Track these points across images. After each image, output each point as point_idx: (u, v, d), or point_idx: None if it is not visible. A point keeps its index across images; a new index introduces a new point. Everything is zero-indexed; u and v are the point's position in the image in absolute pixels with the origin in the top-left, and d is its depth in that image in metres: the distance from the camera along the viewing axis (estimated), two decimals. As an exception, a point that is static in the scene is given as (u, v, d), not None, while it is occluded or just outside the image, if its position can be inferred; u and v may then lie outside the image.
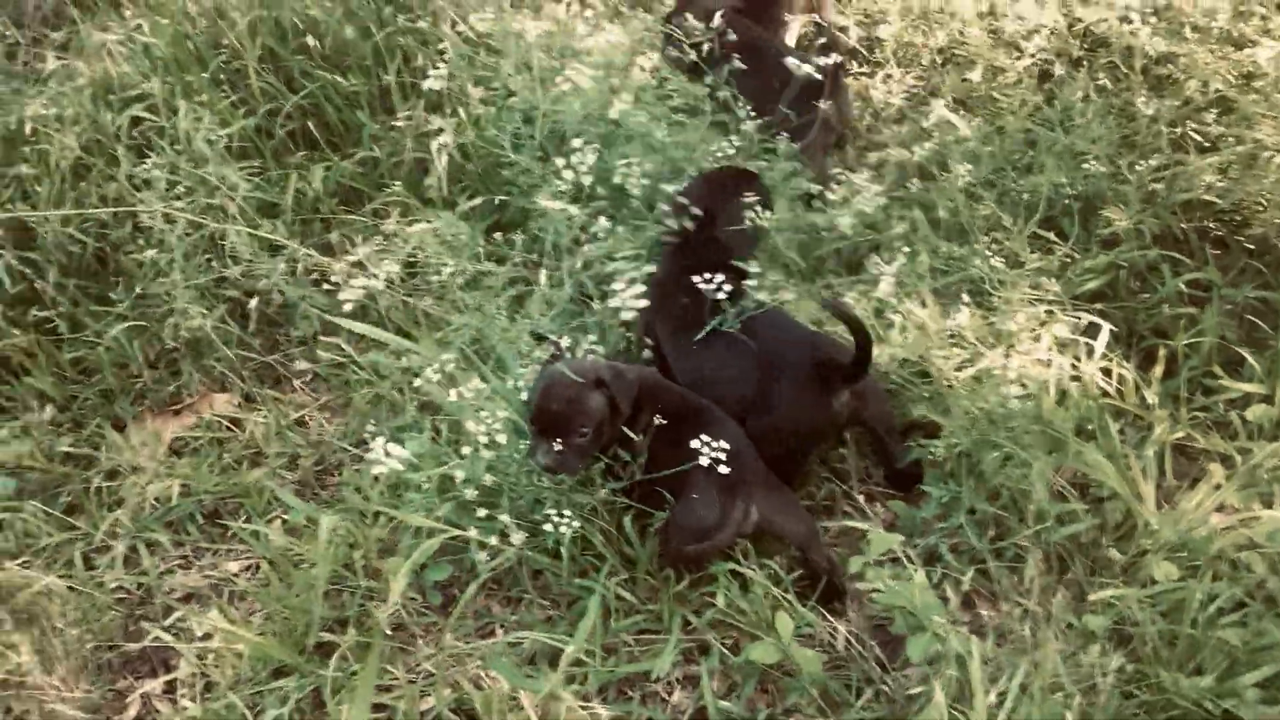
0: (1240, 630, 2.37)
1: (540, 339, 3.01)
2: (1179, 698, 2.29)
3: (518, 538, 2.68)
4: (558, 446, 2.62)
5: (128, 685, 2.82)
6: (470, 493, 2.73)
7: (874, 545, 2.43)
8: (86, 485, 3.21)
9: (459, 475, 2.75)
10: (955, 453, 2.74)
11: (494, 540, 2.70)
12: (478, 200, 3.52)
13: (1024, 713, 2.17)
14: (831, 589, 2.69)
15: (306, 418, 3.39)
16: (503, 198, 3.47)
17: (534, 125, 3.51)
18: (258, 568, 3.04)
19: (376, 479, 3.00)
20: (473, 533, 2.71)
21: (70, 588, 2.90)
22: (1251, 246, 3.18)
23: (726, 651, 2.63)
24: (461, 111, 3.57)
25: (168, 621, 2.91)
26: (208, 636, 2.85)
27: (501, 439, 2.73)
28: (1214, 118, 3.42)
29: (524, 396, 2.79)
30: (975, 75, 3.84)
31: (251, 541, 3.03)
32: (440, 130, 3.52)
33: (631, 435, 2.64)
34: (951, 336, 2.89)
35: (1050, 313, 2.93)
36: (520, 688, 2.45)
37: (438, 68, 3.59)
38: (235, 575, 3.01)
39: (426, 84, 3.58)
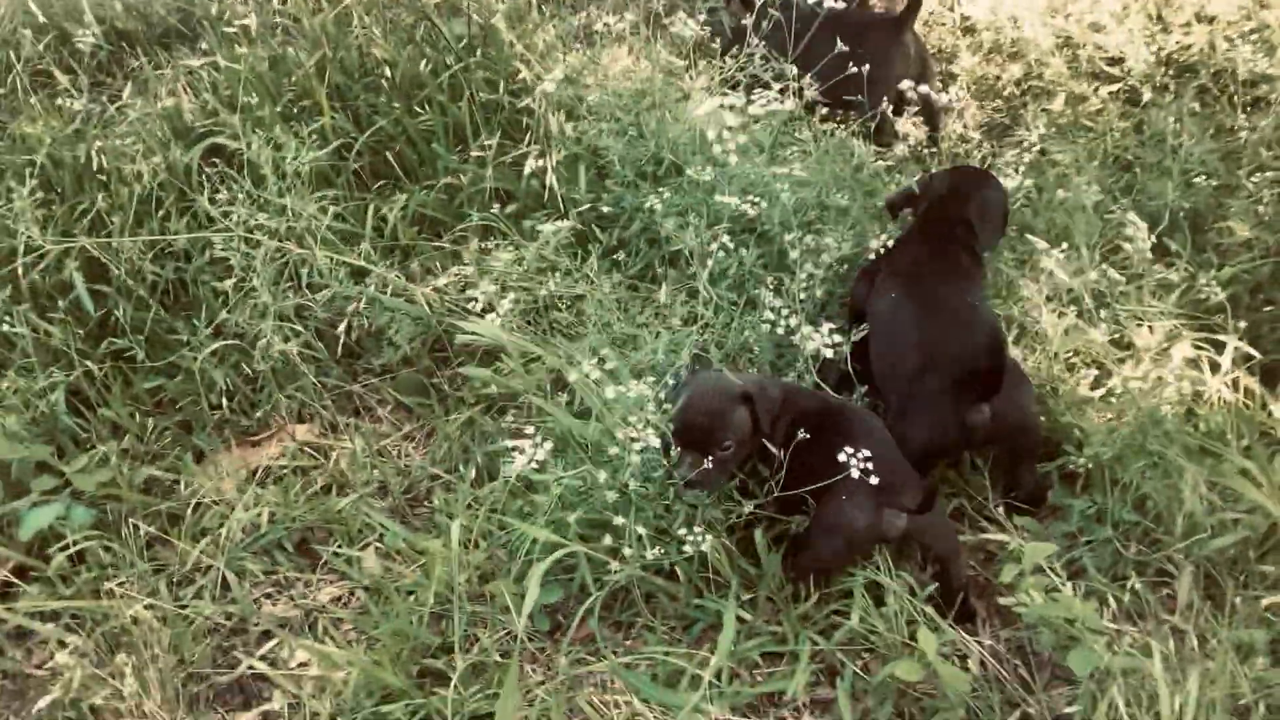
0: None
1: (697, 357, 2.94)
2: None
3: (651, 553, 2.55)
4: (699, 463, 2.52)
5: (219, 718, 2.70)
6: (611, 495, 2.62)
7: (1027, 555, 2.32)
8: (169, 515, 3.10)
9: (601, 477, 2.63)
10: (1097, 463, 2.64)
11: (613, 562, 2.60)
12: (573, 216, 3.44)
13: (1205, 723, 2.05)
14: (966, 608, 2.57)
15: (390, 446, 3.29)
16: (611, 208, 3.39)
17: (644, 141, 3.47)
18: (350, 596, 2.93)
19: (473, 503, 2.91)
20: (583, 549, 2.61)
21: (160, 618, 2.78)
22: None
23: (860, 672, 2.51)
24: (557, 130, 3.52)
25: (261, 651, 2.80)
26: (303, 666, 2.75)
27: (653, 441, 2.60)
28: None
29: (666, 407, 2.68)
30: (1057, 105, 3.80)
31: (345, 569, 2.93)
32: (534, 151, 3.48)
33: (772, 449, 2.54)
34: (1077, 353, 2.81)
35: (1177, 327, 2.85)
36: (661, 702, 2.33)
37: (540, 81, 3.57)
38: (328, 604, 2.89)
39: (539, 88, 3.54)
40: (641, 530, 2.56)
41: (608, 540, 2.63)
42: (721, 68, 3.72)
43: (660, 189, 3.29)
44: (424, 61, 3.97)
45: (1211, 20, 3.76)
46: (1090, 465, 2.66)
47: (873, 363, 2.94)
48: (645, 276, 3.36)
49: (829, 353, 2.78)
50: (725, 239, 3.11)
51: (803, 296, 3.02)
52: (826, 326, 2.81)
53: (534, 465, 2.62)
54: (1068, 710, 2.32)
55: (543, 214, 3.50)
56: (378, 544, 2.98)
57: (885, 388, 2.91)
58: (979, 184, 3.19)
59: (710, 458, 2.53)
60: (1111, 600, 2.47)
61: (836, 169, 3.40)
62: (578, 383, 2.76)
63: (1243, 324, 2.85)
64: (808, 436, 2.48)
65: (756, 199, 3.13)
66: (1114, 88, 3.78)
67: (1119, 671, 2.18)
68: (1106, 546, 2.62)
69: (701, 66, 3.74)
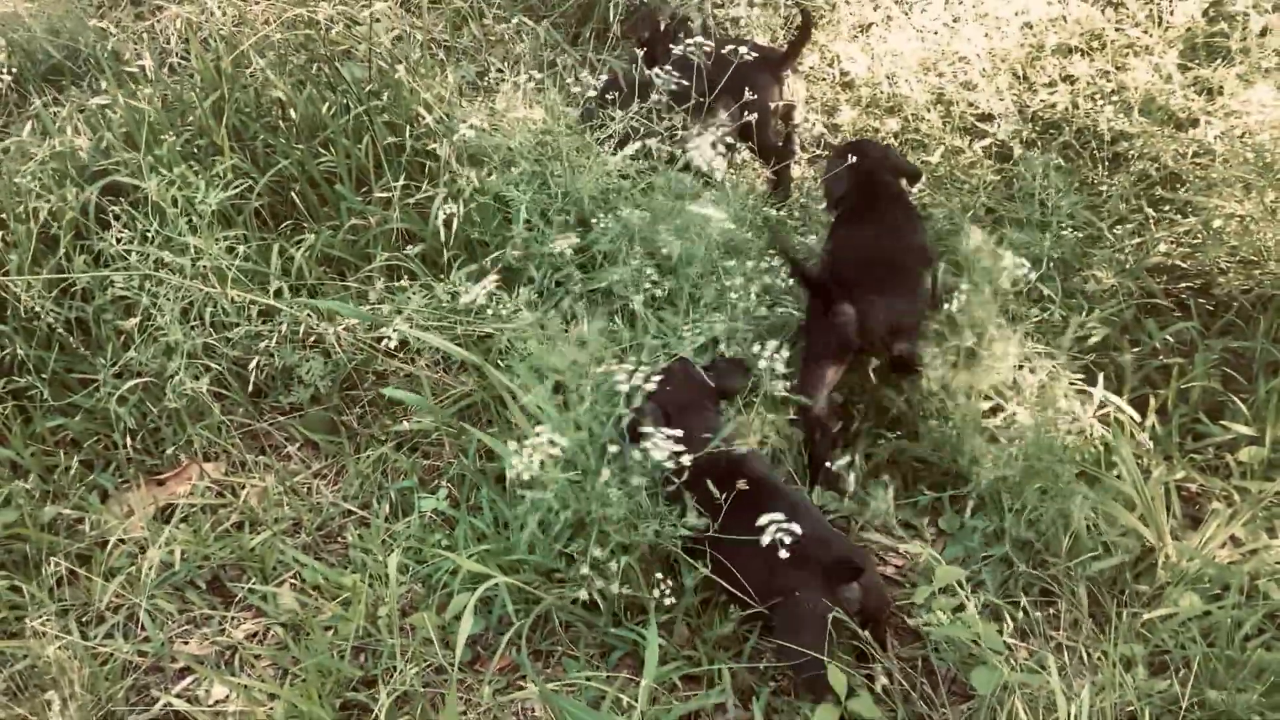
0: (1271, 655, 2.49)
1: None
2: (1228, 716, 2.38)
3: (601, 582, 2.67)
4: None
5: (137, 757, 2.70)
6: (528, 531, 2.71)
7: (939, 577, 2.49)
8: (77, 555, 3.08)
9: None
10: (993, 487, 2.84)
11: (537, 591, 2.69)
12: (475, 266, 3.53)
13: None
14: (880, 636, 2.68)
15: (301, 484, 3.32)
16: (514, 254, 3.49)
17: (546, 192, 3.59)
18: (266, 633, 2.95)
19: (387, 538, 2.97)
20: (505, 579, 2.69)
21: (73, 656, 2.77)
22: (1211, 308, 3.40)
23: (774, 695, 2.65)
24: (462, 180, 3.60)
25: (178, 689, 2.81)
26: (221, 703, 2.77)
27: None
28: (1164, 193, 3.68)
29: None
30: (934, 157, 4.05)
31: (261, 605, 2.95)
32: (441, 194, 3.57)
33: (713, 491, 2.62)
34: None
35: (1056, 368, 3.08)
36: (592, 724, 2.42)
37: (442, 124, 3.67)
38: (245, 641, 2.90)
39: (456, 135, 3.63)
40: (598, 551, 2.68)
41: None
42: (615, 119, 3.85)
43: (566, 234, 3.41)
44: (324, 104, 4.03)
45: (1073, 81, 4.06)
46: (988, 487, 2.85)
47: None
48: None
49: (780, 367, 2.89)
50: (651, 273, 3.26)
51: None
52: (771, 344, 2.91)
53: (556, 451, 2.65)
54: (966, 724, 2.48)
55: (451, 255, 3.58)
56: (293, 580, 3.01)
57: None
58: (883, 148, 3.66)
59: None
60: (1007, 618, 2.66)
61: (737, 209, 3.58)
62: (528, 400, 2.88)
63: (1119, 359, 3.11)
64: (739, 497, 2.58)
65: (671, 241, 3.29)
66: (985, 142, 4.04)
67: (1016, 685, 2.35)
68: (1001, 564, 2.81)
69: (599, 119, 3.87)
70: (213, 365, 3.37)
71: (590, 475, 2.71)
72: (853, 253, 3.24)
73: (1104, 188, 3.71)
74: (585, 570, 2.68)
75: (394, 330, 3.18)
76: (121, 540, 3.11)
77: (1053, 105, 4.05)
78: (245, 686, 2.70)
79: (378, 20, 4.35)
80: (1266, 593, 2.63)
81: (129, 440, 3.35)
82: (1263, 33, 3.98)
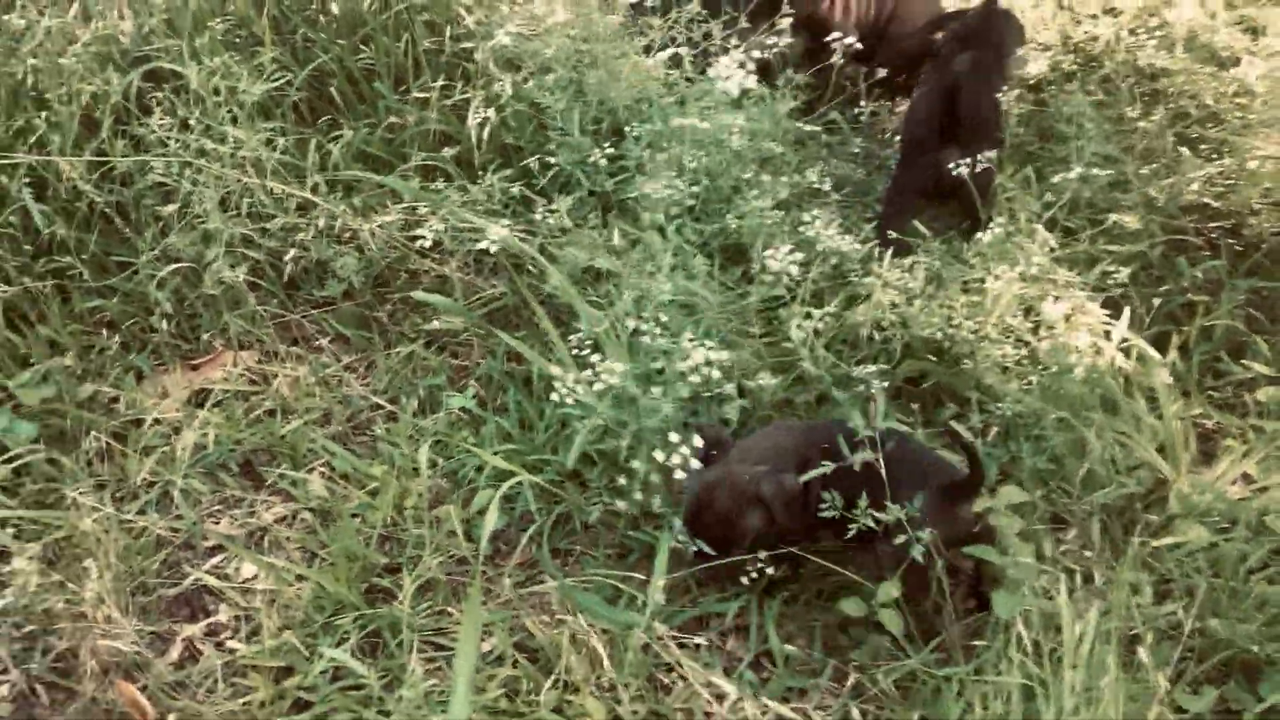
0: (1273, 588, 2.56)
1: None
2: (1228, 644, 2.46)
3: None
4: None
5: (167, 629, 2.79)
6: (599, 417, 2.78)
7: (1001, 496, 2.53)
8: (112, 433, 3.17)
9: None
10: (1014, 417, 2.89)
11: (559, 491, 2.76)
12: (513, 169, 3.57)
13: (1101, 654, 2.29)
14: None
15: (331, 376, 3.39)
16: (551, 160, 3.51)
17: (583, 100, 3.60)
18: (295, 518, 3.04)
19: (415, 433, 3.05)
20: (529, 477, 2.78)
21: (105, 530, 2.86)
22: (1241, 249, 3.42)
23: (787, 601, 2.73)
24: (498, 85, 3.62)
25: (208, 566, 2.91)
26: (250, 581, 2.87)
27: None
28: (1201, 131, 3.68)
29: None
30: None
31: (291, 490, 3.04)
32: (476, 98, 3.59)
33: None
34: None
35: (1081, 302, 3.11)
36: (612, 620, 2.51)
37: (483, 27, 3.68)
38: (274, 524, 3.00)
39: (491, 42, 3.65)
40: (637, 464, 2.74)
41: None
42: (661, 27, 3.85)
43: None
44: (365, 0, 4.03)
45: (1117, 14, 4.05)
46: (1010, 416, 2.89)
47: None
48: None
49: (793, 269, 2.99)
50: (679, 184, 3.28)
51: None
52: (784, 249, 3.01)
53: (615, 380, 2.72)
54: (978, 642, 2.55)
55: (485, 159, 3.61)
56: (322, 469, 3.10)
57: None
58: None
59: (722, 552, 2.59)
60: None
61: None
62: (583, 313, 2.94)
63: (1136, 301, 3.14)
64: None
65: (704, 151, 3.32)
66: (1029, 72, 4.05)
67: (1031, 609, 2.42)
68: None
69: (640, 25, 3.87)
70: (250, 254, 3.42)
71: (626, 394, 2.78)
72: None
73: (1140, 124, 3.70)
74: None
75: (430, 230, 3.24)
76: (157, 421, 3.19)
77: (1095, 37, 4.04)
78: (274, 566, 2.79)
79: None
80: (1274, 529, 2.69)
81: (165, 324, 3.41)
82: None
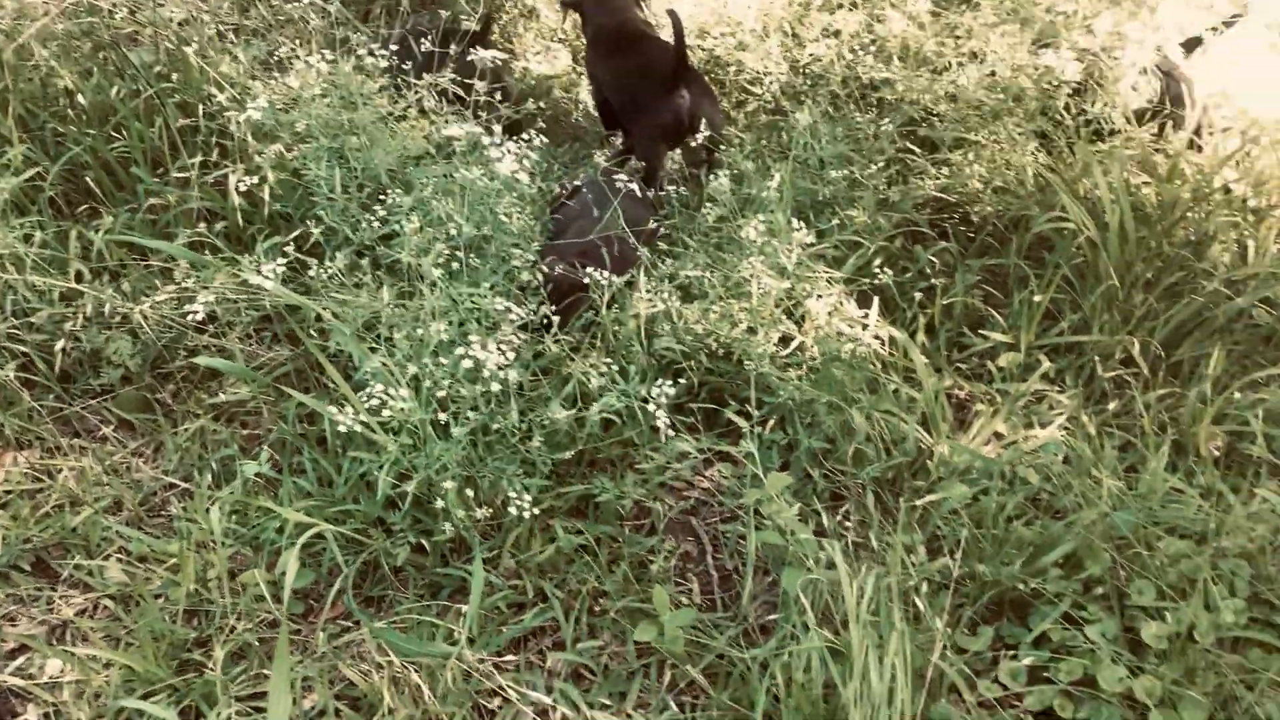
0: (1030, 530, 2.81)
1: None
2: (995, 584, 2.68)
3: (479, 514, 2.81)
4: None
5: (-29, 739, 2.71)
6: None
7: (769, 484, 2.70)
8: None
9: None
10: (789, 405, 3.08)
11: (364, 539, 2.80)
12: (283, 237, 3.59)
13: (884, 611, 2.47)
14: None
15: (119, 463, 3.34)
16: (324, 226, 3.55)
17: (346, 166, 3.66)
18: (96, 609, 2.98)
19: (212, 505, 3.04)
20: (331, 528, 2.81)
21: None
22: (971, 235, 3.73)
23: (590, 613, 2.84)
24: (258, 158, 3.66)
25: (10, 669, 2.83)
26: (55, 677, 2.81)
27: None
28: (926, 132, 4.01)
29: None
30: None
31: (89, 580, 2.98)
32: (236, 172, 3.61)
33: None
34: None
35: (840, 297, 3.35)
36: (423, 654, 2.56)
37: (237, 104, 3.70)
38: (75, 618, 2.93)
39: (243, 115, 3.65)
40: (451, 486, 2.82)
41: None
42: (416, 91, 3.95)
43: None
44: (114, 89, 4.02)
45: (838, 34, 4.36)
46: (785, 404, 3.09)
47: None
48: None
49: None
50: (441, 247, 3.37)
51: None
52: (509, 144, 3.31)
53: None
54: (772, 617, 2.71)
55: (256, 229, 3.64)
56: (119, 555, 3.05)
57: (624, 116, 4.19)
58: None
59: None
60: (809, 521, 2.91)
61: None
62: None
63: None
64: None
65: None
66: (758, 100, 4.33)
67: (815, 581, 2.60)
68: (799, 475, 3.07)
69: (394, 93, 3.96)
70: (18, 350, 3.36)
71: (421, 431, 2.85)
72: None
73: (869, 130, 4.00)
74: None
75: (201, 303, 3.24)
76: (-64, 530, 3.10)
77: (819, 59, 4.34)
78: (79, 658, 2.74)
79: (161, 4, 4.35)
80: (1025, 478, 2.95)
81: (-69, 435, 3.32)
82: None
